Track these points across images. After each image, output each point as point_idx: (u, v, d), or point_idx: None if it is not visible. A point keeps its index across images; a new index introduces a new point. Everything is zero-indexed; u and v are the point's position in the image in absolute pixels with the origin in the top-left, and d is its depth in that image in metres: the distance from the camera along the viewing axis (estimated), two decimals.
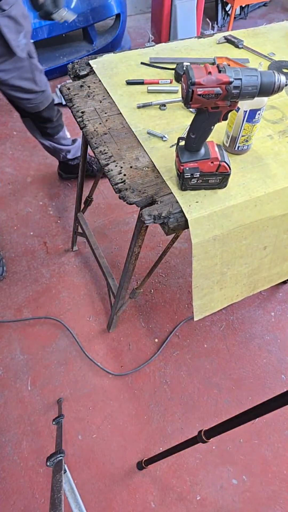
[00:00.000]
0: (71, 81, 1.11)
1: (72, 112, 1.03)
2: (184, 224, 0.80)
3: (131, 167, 0.88)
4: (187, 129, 0.81)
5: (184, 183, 0.80)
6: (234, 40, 1.24)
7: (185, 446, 0.96)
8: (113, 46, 2.73)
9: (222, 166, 0.78)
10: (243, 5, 3.40)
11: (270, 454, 1.29)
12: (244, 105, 0.80)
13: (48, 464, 0.85)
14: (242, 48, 1.24)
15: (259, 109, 0.81)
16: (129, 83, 1.08)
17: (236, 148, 0.90)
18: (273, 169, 0.89)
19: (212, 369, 1.46)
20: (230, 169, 0.79)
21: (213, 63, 1.14)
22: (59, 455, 0.87)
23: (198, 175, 0.79)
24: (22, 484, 1.20)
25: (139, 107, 1.02)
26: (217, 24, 3.33)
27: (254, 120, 0.83)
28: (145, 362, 1.45)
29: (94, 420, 1.32)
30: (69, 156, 1.83)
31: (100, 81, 1.09)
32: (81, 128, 0.99)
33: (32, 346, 1.47)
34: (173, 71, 1.13)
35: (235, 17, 3.48)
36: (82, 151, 1.28)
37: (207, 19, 3.25)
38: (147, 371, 1.44)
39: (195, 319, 0.98)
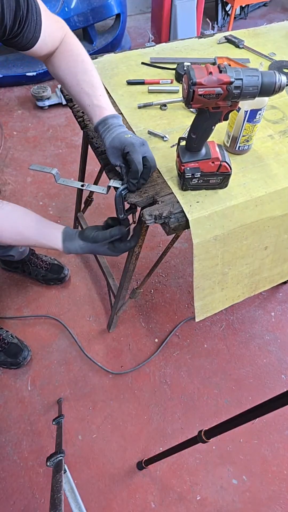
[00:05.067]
0: None
1: (72, 112, 1.03)
2: (185, 224, 0.80)
3: None
4: (188, 129, 0.81)
5: (185, 183, 0.80)
6: (234, 40, 1.24)
7: (185, 446, 0.96)
8: (113, 46, 2.73)
9: (223, 166, 0.78)
10: (243, 5, 3.40)
11: (270, 454, 1.29)
12: (245, 105, 0.80)
13: (48, 464, 0.85)
14: (242, 48, 1.24)
15: (260, 109, 0.81)
16: (129, 83, 1.08)
17: (236, 148, 0.90)
18: (273, 169, 0.89)
19: (212, 369, 1.46)
20: (231, 169, 0.79)
21: (214, 63, 1.14)
22: (59, 455, 0.87)
23: (199, 175, 0.79)
24: (22, 484, 1.20)
25: (139, 107, 1.02)
26: (217, 24, 3.33)
27: (254, 120, 0.83)
28: (145, 361, 1.45)
29: (94, 420, 1.32)
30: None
31: None
32: (82, 128, 0.99)
33: (32, 346, 1.47)
34: (174, 71, 1.13)
35: (235, 17, 3.48)
36: (82, 150, 1.28)
37: (207, 19, 3.25)
38: (147, 371, 1.44)
39: (197, 320, 0.97)
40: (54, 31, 0.80)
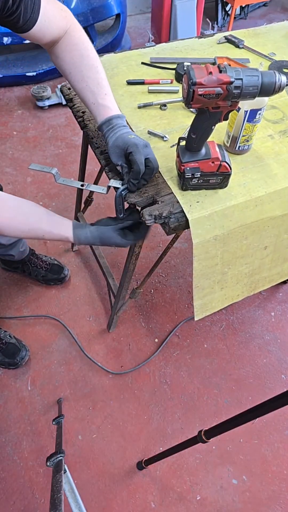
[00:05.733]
0: None
1: (72, 112, 1.03)
2: (184, 224, 0.80)
3: None
4: (188, 129, 0.81)
5: (185, 183, 0.80)
6: (234, 40, 1.24)
7: (185, 446, 0.96)
8: (113, 46, 2.73)
9: (222, 166, 0.78)
10: (243, 5, 3.40)
11: (270, 454, 1.29)
12: (245, 105, 0.80)
13: (48, 464, 0.85)
14: (242, 48, 1.24)
15: (260, 109, 0.81)
16: (129, 83, 1.08)
17: (236, 148, 0.90)
18: (273, 169, 0.89)
19: (212, 369, 1.46)
20: (230, 169, 0.79)
21: (214, 63, 1.14)
22: (59, 455, 0.87)
23: (198, 175, 0.79)
24: (22, 484, 1.20)
25: (139, 107, 1.02)
26: (217, 24, 3.33)
27: (254, 120, 0.83)
28: (145, 361, 1.45)
29: (94, 420, 1.32)
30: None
31: None
32: (82, 128, 0.99)
33: (32, 346, 1.47)
34: (174, 71, 1.13)
35: (235, 17, 3.48)
36: (82, 150, 1.28)
37: (207, 19, 3.25)
38: (147, 371, 1.44)
39: (196, 319, 0.98)
40: (56, 17, 0.77)
